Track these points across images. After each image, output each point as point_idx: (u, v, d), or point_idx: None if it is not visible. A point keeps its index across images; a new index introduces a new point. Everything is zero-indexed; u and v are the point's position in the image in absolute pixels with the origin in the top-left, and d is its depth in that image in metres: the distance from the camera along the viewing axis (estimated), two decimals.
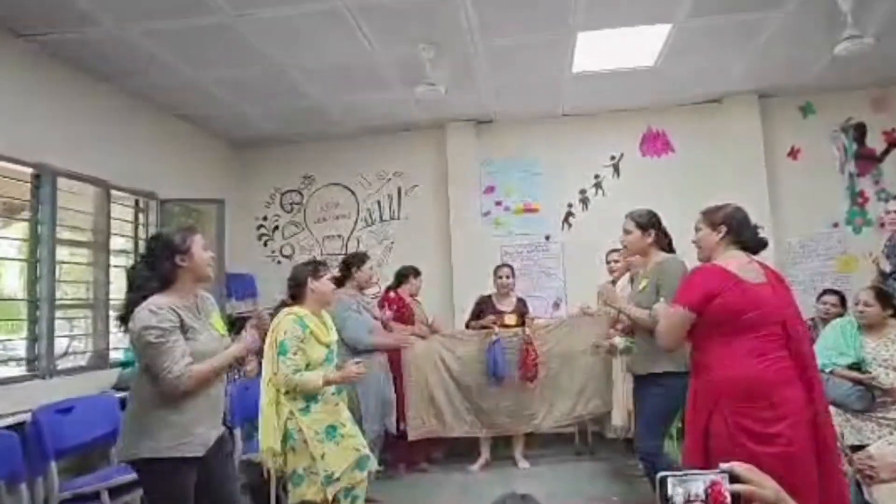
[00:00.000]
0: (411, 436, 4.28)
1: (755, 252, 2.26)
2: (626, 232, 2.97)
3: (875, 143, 5.10)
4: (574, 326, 4.45)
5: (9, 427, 2.82)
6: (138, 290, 2.10)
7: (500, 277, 4.53)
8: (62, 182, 3.50)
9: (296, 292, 3.09)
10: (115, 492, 2.82)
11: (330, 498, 2.86)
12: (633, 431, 3.81)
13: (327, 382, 3.04)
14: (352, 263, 3.86)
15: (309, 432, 2.92)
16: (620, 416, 3.98)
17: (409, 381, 4.33)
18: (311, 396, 2.99)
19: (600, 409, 4.26)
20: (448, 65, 3.99)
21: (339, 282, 3.78)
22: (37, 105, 3.39)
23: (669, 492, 1.12)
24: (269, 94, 4.45)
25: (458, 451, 4.60)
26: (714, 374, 2.06)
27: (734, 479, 1.11)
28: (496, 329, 4.33)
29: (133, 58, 3.64)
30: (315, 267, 3.18)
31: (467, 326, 4.56)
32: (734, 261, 2.17)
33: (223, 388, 2.27)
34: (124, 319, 2.11)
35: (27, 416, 2.92)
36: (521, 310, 4.55)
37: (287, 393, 2.96)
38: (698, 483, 1.12)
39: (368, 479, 3.78)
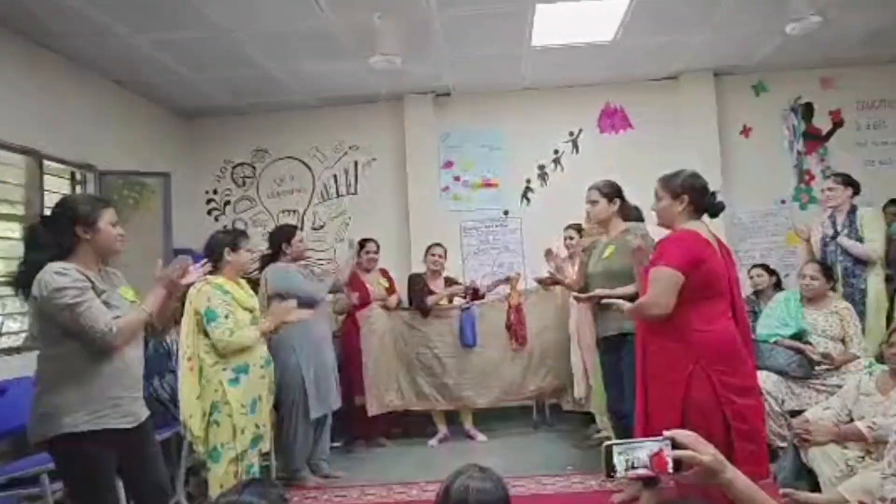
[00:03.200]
0: (371, 411, 4.27)
1: (714, 216, 2.37)
2: (592, 202, 3.09)
3: (822, 122, 5.26)
4: (532, 301, 4.51)
5: None
6: (36, 253, 1.98)
7: (434, 256, 4.50)
8: None
9: (214, 263, 3.00)
10: (55, 474, 2.70)
11: (236, 476, 2.84)
12: (594, 403, 3.91)
13: (264, 333, 3.04)
14: (281, 240, 3.69)
15: (236, 405, 2.89)
16: (579, 388, 4.06)
17: (369, 356, 4.31)
18: (241, 367, 2.95)
19: (558, 382, 4.35)
20: (404, 35, 3.88)
21: (273, 257, 3.69)
22: None
23: (614, 460, 1.14)
24: (215, 61, 4.23)
25: (417, 427, 4.62)
26: (695, 336, 2.14)
27: (676, 445, 1.14)
28: (467, 299, 4.40)
29: (64, 18, 3.39)
30: (234, 237, 3.13)
31: (411, 303, 4.48)
32: (702, 230, 2.26)
33: (140, 355, 2.17)
34: (20, 283, 1.98)
35: None
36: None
37: (215, 364, 2.90)
38: (643, 450, 1.14)
39: (320, 455, 3.79)
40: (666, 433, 1.14)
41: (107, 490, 2.03)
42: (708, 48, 4.62)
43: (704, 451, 1.12)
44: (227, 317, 2.90)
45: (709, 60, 4.92)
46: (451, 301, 4.52)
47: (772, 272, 4.47)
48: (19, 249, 3.47)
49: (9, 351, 3.30)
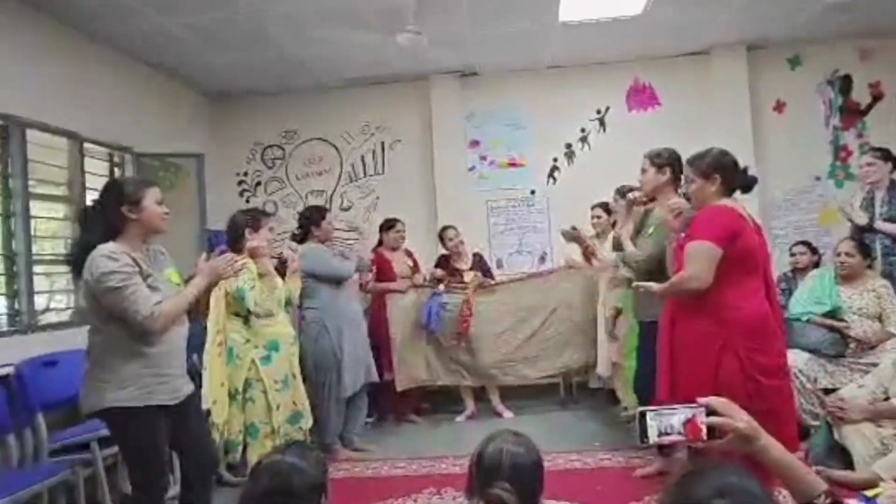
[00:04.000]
0: (400, 387, 4.36)
1: (747, 191, 2.32)
2: (643, 171, 2.94)
3: (860, 96, 5.08)
4: (557, 280, 4.52)
5: None
6: (88, 234, 2.08)
7: (450, 240, 4.55)
8: (32, 134, 3.37)
9: (235, 243, 3.02)
10: (104, 441, 2.83)
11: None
12: (619, 381, 3.91)
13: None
14: (311, 221, 3.75)
15: (269, 381, 2.95)
16: (605, 367, 4.08)
17: (395, 332, 4.38)
18: (272, 345, 3.01)
19: (584, 360, 4.36)
20: (431, 13, 3.87)
21: (302, 238, 3.76)
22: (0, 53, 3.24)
23: (647, 426, 1.16)
24: (243, 43, 4.27)
25: (446, 404, 4.70)
26: (728, 313, 2.11)
27: (710, 412, 1.15)
28: (440, 287, 4.42)
29: (97, 1, 3.46)
30: (254, 217, 3.11)
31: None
32: (735, 206, 2.22)
33: (185, 334, 2.25)
34: (73, 263, 2.08)
35: (10, 370, 2.91)
36: (480, 265, 4.61)
37: (246, 343, 2.95)
38: (676, 416, 1.15)
39: (352, 430, 3.87)
40: (701, 400, 1.15)
41: (156, 459, 2.12)
42: (741, 20, 4.49)
43: (739, 418, 1.13)
44: (252, 288, 2.96)
45: (742, 33, 4.78)
46: (462, 278, 4.52)
47: (814, 250, 4.29)
48: (64, 229, 3.65)
49: (58, 325, 3.46)
